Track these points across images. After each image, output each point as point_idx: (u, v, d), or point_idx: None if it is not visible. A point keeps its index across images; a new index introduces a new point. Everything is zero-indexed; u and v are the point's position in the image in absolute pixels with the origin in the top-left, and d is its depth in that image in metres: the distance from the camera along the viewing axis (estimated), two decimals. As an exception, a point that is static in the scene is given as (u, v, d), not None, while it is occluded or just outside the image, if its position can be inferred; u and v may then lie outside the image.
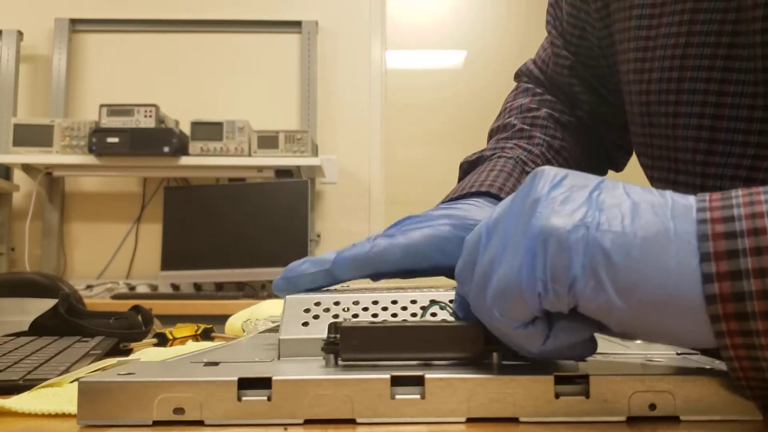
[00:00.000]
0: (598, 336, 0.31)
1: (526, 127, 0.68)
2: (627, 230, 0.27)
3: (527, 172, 0.60)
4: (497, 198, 0.55)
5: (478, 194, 0.56)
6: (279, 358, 0.36)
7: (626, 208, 0.28)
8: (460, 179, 0.64)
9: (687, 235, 0.27)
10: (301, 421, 0.29)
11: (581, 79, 0.68)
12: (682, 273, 0.26)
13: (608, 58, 0.63)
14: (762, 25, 0.45)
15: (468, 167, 0.65)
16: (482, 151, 0.66)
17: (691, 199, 0.28)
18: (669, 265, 0.26)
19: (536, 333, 0.29)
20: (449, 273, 0.53)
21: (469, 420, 0.29)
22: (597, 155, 0.71)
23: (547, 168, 0.31)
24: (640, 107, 0.55)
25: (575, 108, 0.69)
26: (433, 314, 0.37)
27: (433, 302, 0.37)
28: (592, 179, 0.30)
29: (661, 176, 0.56)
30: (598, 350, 0.36)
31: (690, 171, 0.52)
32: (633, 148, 0.63)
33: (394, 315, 0.37)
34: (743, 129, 0.48)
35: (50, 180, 2.65)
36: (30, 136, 2.44)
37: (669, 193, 0.29)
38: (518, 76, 0.76)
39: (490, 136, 0.71)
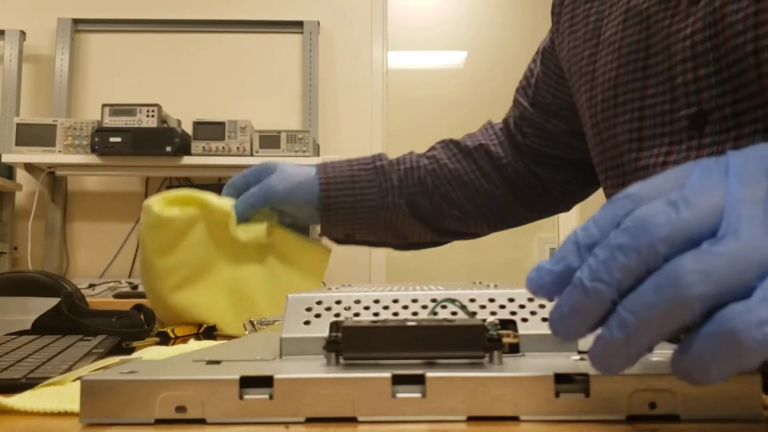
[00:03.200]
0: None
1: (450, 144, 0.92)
2: None
3: (377, 166, 0.86)
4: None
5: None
6: (281, 357, 0.36)
7: None
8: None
9: None
10: (303, 419, 0.29)
11: (529, 121, 0.86)
12: None
13: (564, 98, 0.81)
14: (674, 39, 0.57)
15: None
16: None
17: None
18: None
19: None
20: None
21: (470, 419, 0.29)
22: (528, 187, 0.88)
23: None
24: (592, 128, 0.67)
25: (521, 144, 0.88)
26: (435, 313, 0.37)
27: (451, 301, 0.37)
28: None
29: (613, 183, 0.66)
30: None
31: (631, 169, 0.62)
32: (589, 173, 0.78)
33: (396, 314, 0.37)
34: (660, 122, 0.59)
35: (53, 179, 2.66)
36: (33, 135, 2.45)
37: None
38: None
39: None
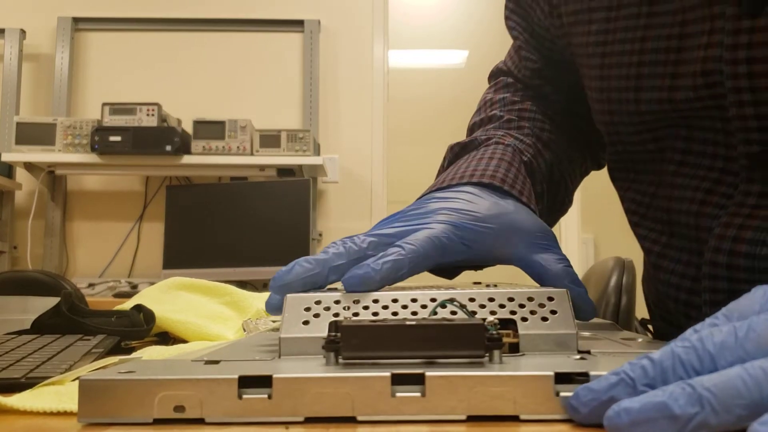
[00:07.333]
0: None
1: (513, 117, 0.66)
2: None
3: (525, 162, 0.59)
4: (496, 189, 0.52)
5: (474, 183, 0.52)
6: (280, 357, 0.36)
7: None
8: (450, 163, 0.62)
9: None
10: (302, 418, 0.29)
11: (549, 80, 0.68)
12: None
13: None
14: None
15: (459, 150, 0.62)
16: (473, 136, 0.63)
17: None
18: None
19: None
20: (448, 271, 0.54)
21: (470, 418, 0.29)
22: (581, 147, 0.70)
23: None
24: (603, 116, 0.55)
25: (548, 107, 0.69)
26: (434, 313, 0.37)
27: (450, 301, 0.37)
28: None
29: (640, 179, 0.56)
30: (598, 349, 0.36)
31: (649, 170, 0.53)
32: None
33: (395, 313, 0.37)
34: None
35: (53, 178, 2.66)
36: (32, 134, 2.45)
37: None
38: (494, 76, 0.75)
39: (472, 130, 0.69)
